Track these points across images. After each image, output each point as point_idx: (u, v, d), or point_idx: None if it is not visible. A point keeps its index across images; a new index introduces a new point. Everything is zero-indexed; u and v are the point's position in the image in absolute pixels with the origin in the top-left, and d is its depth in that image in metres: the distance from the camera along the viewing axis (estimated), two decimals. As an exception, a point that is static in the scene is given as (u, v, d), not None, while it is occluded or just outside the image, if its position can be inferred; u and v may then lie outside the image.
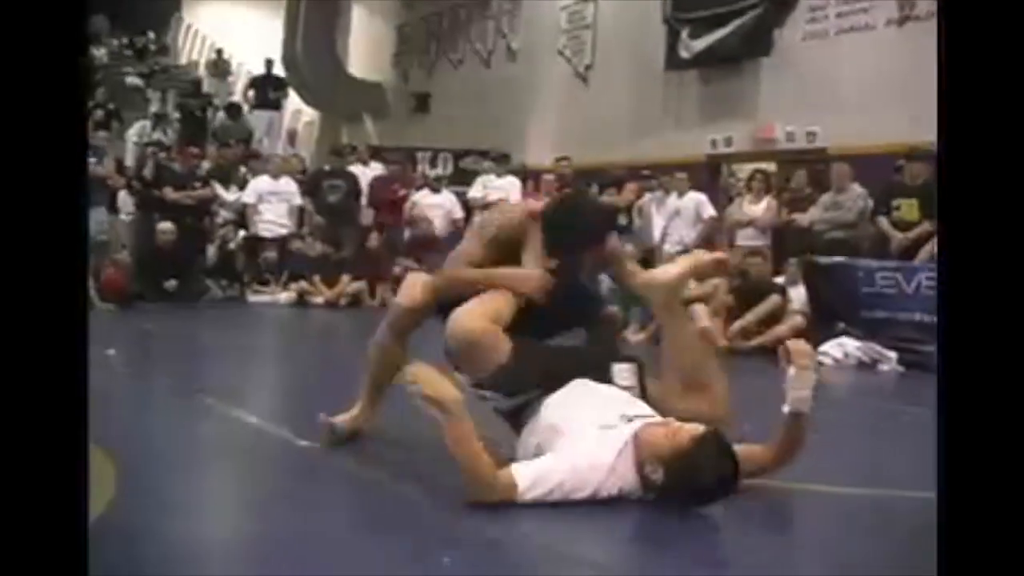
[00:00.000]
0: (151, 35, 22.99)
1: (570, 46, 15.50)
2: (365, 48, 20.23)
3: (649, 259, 11.15)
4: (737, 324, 8.68)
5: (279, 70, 19.00)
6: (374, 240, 12.86)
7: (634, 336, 9.11)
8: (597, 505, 3.01)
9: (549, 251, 3.57)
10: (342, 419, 3.85)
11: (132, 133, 15.99)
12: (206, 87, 20.03)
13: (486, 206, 11.92)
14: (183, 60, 22.37)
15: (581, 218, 3.69)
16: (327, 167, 14.11)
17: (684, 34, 13.16)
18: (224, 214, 12.73)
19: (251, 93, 18.33)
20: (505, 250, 3.64)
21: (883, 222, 9.35)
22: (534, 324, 3.49)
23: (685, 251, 9.89)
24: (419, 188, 13.45)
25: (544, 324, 3.57)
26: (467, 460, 3.00)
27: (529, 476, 3.04)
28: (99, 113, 15.47)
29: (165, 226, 11.62)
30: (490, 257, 3.65)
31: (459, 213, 12.90)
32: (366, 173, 13.72)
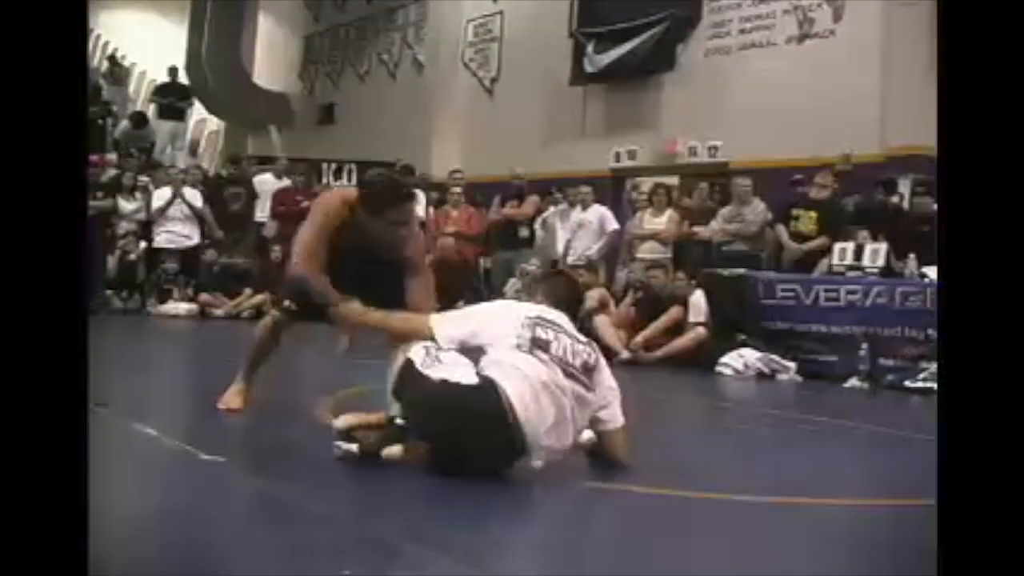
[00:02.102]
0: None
1: (476, 59, 15.56)
2: (271, 58, 20.05)
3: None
4: (640, 336, 8.74)
5: (184, 78, 18.72)
6: (277, 252, 12.71)
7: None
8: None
9: (368, 213, 4.23)
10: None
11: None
12: (105, 95, 19.63)
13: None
14: (82, 67, 21.93)
15: (386, 186, 4.36)
16: (224, 174, 13.97)
17: (590, 48, 13.29)
18: (124, 225, 12.48)
19: (154, 102, 18.05)
20: (332, 231, 4.35)
21: (781, 231, 9.51)
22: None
23: (588, 264, 9.96)
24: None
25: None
26: (378, 324, 3.41)
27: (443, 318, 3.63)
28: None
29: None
30: (322, 237, 4.36)
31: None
32: (275, 184, 13.60)
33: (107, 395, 5.06)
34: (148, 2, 22.18)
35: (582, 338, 3.71)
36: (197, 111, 19.58)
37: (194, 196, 12.46)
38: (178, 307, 11.77)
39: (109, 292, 11.89)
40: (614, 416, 3.72)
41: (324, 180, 15.58)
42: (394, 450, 3.43)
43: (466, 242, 11.74)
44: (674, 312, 8.74)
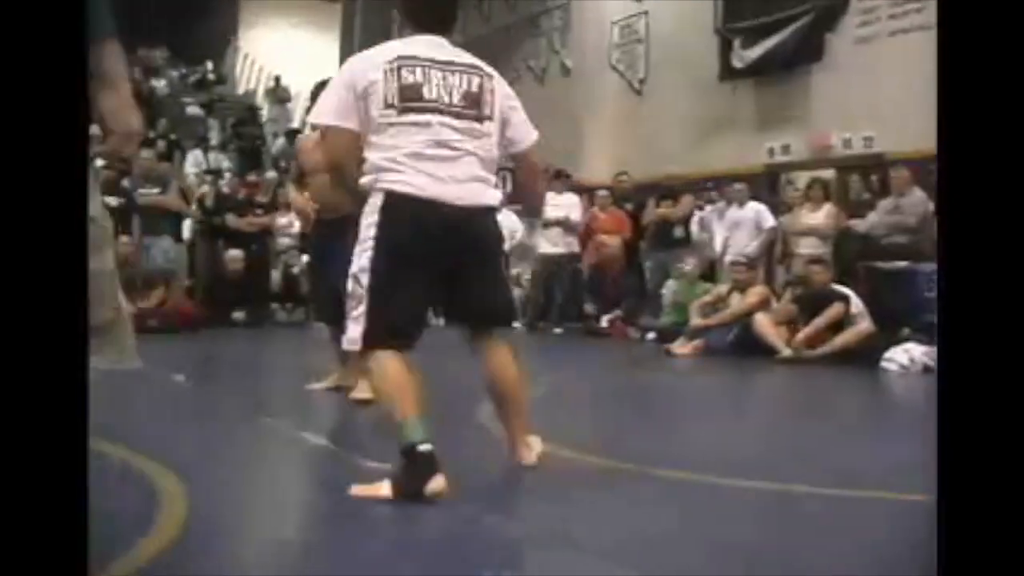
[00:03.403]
0: (209, 65, 23.36)
1: (623, 60, 15.57)
2: (420, 70, 20.41)
3: (710, 271, 11.28)
4: (801, 333, 8.70)
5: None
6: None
7: (679, 349, 9.28)
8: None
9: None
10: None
11: (189, 163, 16.27)
12: (265, 114, 20.34)
13: (547, 224, 12.14)
14: (241, 89, 22.72)
15: None
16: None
17: (737, 44, 13.21)
18: (286, 240, 12.91)
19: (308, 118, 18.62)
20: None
21: (942, 222, 9.32)
22: None
23: (747, 262, 9.95)
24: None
25: None
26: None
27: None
28: (161, 144, 15.77)
29: (234, 254, 11.84)
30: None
31: (521, 232, 13.05)
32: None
33: (275, 406, 5.34)
34: (297, 20, 22.87)
35: (462, 59, 3.59)
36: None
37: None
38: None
39: (274, 305, 12.33)
40: (525, 135, 3.79)
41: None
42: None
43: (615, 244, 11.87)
44: (837, 308, 8.67)
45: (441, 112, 3.44)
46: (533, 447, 3.68)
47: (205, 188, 13.19)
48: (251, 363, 8.94)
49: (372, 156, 3.41)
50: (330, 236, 5.42)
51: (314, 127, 4.37)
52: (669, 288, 10.84)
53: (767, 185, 12.70)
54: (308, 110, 18.84)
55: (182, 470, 3.59)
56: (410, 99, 3.41)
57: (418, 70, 3.45)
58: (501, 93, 3.64)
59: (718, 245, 11.23)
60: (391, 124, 3.40)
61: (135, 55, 18.38)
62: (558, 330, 12.08)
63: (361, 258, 3.38)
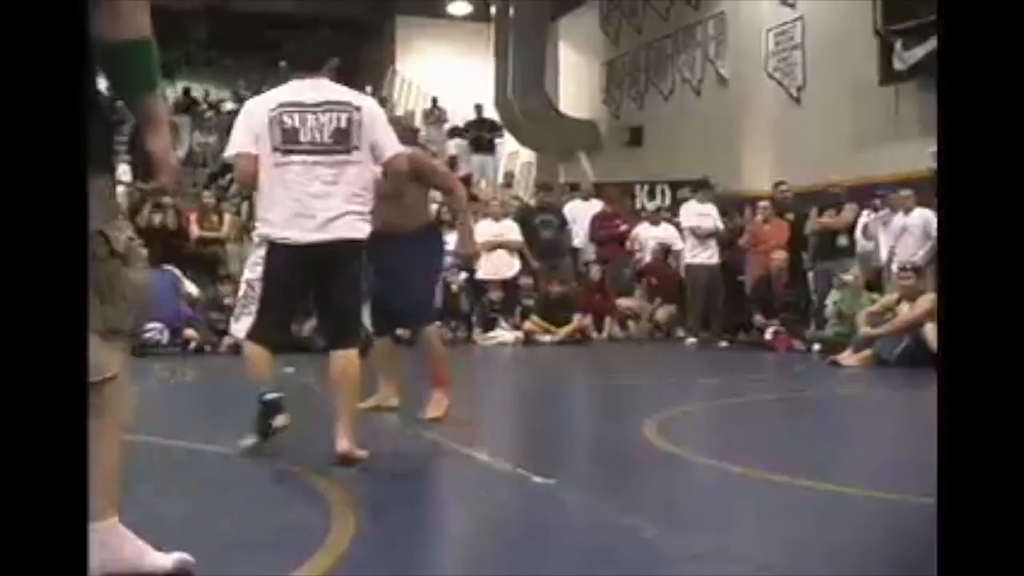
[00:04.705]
0: (369, 89, 23.89)
1: (780, 67, 15.36)
2: (575, 86, 20.52)
3: (876, 281, 11.02)
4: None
5: (489, 113, 19.58)
6: (595, 273, 13.09)
7: (847, 360, 9.13)
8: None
9: None
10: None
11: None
12: (423, 136, 20.69)
13: (694, 232, 12.20)
14: (400, 111, 23.17)
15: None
16: (533, 203, 14.47)
17: (898, 45, 12.88)
18: (447, 258, 13.07)
19: (463, 137, 19.02)
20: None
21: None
22: None
23: (915, 270, 9.68)
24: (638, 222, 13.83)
25: None
26: None
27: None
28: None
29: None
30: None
31: (679, 244, 13.04)
32: (587, 209, 14.08)
33: (443, 422, 5.42)
34: (452, 44, 23.22)
35: (334, 98, 4.38)
36: (510, 143, 20.34)
37: (511, 227, 12.97)
38: (504, 335, 12.25)
39: (438, 323, 12.49)
40: (385, 146, 4.45)
41: (637, 202, 15.90)
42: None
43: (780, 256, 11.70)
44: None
45: (316, 152, 4.29)
46: (341, 443, 4.28)
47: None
48: (413, 379, 9.08)
49: (260, 205, 4.47)
50: (386, 252, 5.60)
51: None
52: (834, 298, 10.62)
53: (934, 191, 12.32)
54: (461, 135, 19.31)
55: (353, 484, 3.70)
56: (290, 142, 4.28)
57: (296, 115, 4.30)
58: (368, 122, 4.41)
59: (884, 254, 10.97)
60: (277, 164, 4.28)
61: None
62: (723, 343, 12.01)
63: (255, 271, 4.49)
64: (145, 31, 2.31)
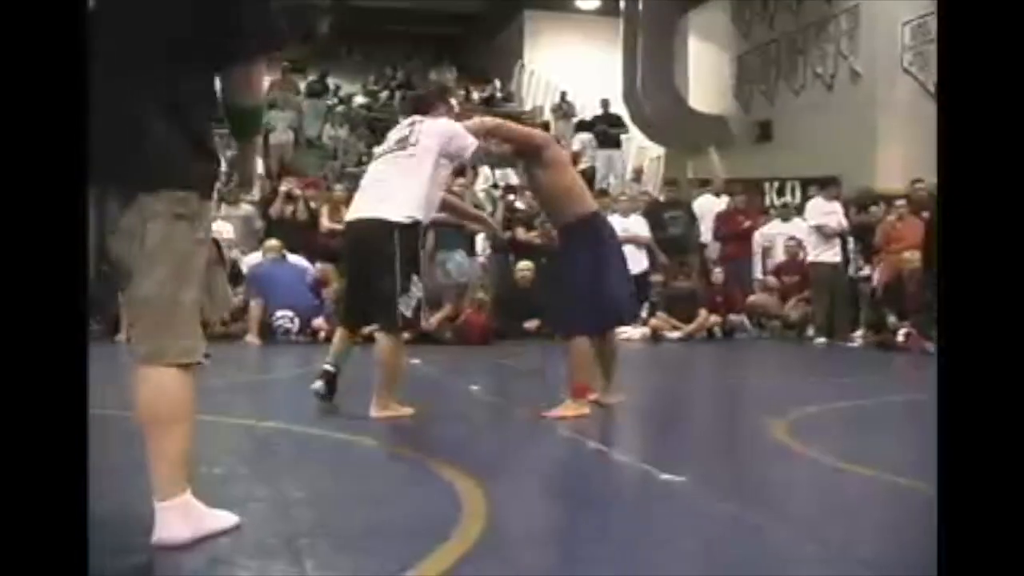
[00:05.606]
0: (497, 83, 24.03)
1: (916, 62, 15.01)
2: (705, 80, 20.30)
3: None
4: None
5: (616, 108, 19.51)
6: (719, 273, 12.98)
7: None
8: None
9: None
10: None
11: (479, 180, 16.74)
12: (552, 130, 20.71)
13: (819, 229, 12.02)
14: (528, 106, 23.24)
15: None
16: (662, 198, 14.38)
17: (1041, 40, 12.47)
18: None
19: (591, 132, 18.98)
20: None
21: None
22: None
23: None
24: (768, 218, 13.66)
25: None
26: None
27: None
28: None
29: (524, 265, 12.13)
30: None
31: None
32: (717, 205, 13.96)
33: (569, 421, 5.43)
34: (581, 37, 23.22)
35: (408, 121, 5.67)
36: (638, 139, 20.25)
37: (640, 223, 12.93)
38: (631, 331, 12.21)
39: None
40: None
41: (767, 199, 15.69)
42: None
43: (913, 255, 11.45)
44: None
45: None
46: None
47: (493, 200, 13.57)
48: (543, 373, 9.12)
49: None
50: (568, 243, 5.86)
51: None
52: (969, 299, 10.33)
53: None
54: (588, 129, 19.26)
55: (478, 475, 3.75)
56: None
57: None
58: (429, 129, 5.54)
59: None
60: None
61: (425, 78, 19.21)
62: (853, 343, 11.82)
63: None
64: (262, 98, 3.14)
